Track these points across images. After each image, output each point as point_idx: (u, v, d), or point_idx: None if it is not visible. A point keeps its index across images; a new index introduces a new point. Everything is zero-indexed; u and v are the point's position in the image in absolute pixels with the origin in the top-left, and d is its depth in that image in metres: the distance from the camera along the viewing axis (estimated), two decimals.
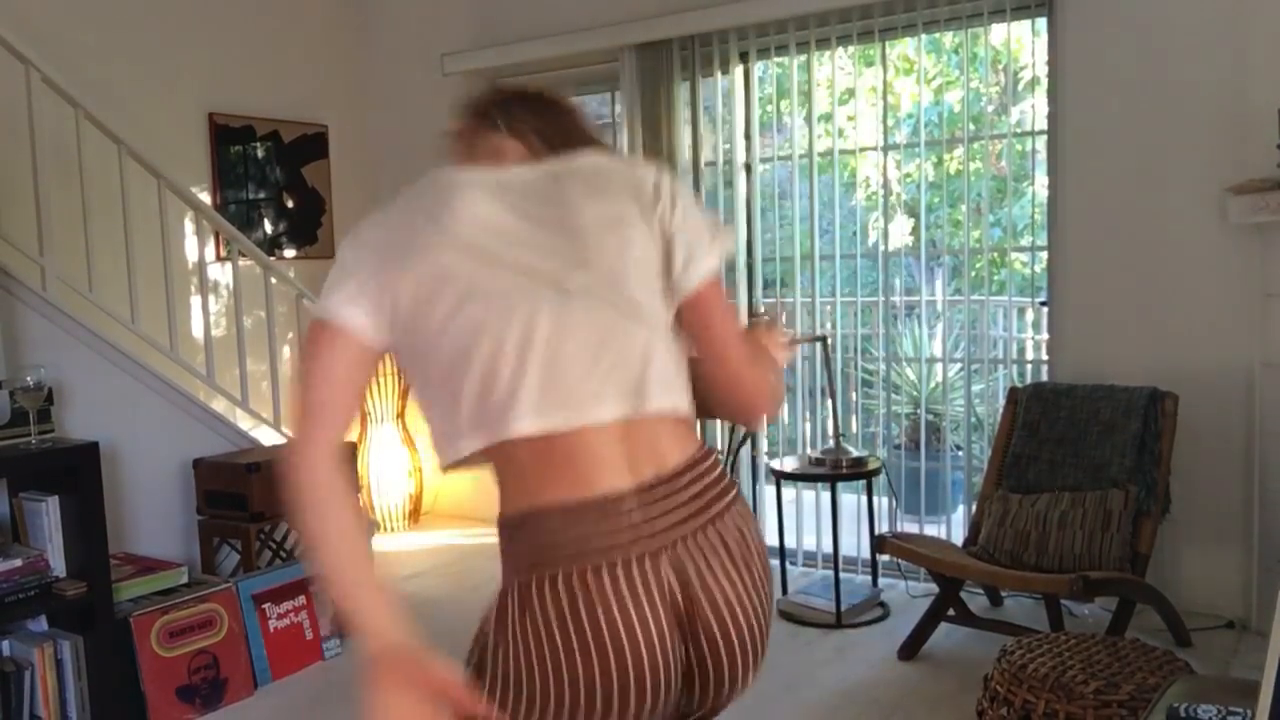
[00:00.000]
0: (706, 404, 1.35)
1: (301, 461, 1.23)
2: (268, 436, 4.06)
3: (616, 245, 1.25)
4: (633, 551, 1.17)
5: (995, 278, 4.45)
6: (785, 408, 4.88)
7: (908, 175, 5.76)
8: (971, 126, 4.38)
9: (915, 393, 5.04)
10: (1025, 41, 4.00)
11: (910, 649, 3.36)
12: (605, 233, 1.25)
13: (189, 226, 4.47)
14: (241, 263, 4.09)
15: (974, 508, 3.72)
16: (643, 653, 1.16)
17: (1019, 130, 4.13)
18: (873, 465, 3.83)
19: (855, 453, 3.89)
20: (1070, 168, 3.72)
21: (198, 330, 4.26)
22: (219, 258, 4.58)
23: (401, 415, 5.18)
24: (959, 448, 4.56)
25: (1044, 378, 3.89)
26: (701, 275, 1.29)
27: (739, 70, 4.43)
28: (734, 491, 1.30)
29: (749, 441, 4.27)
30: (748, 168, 4.47)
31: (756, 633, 1.25)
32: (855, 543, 4.28)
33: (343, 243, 1.29)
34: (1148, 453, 3.34)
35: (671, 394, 1.25)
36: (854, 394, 4.78)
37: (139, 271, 3.66)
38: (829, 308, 4.78)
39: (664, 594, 1.18)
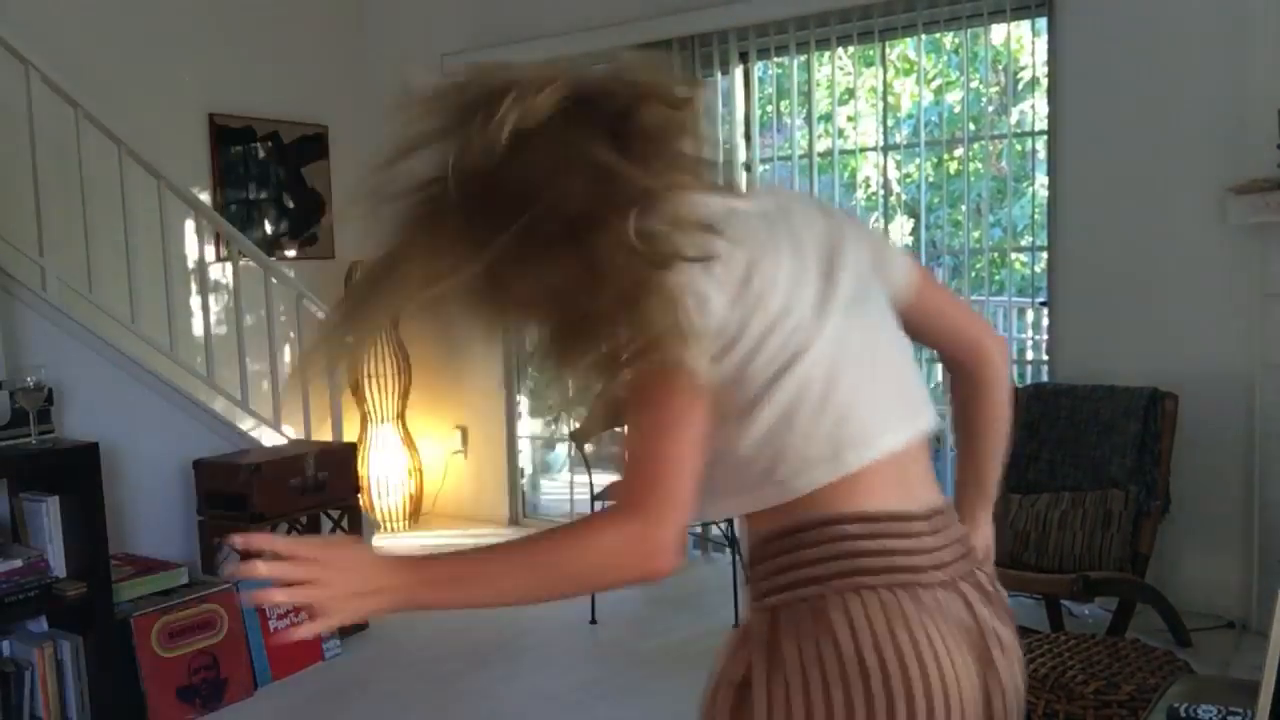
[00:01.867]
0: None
1: (664, 562, 0.98)
2: (268, 436, 4.06)
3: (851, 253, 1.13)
4: (934, 578, 1.05)
5: (995, 278, 4.45)
6: None
7: (908, 175, 5.77)
8: (971, 127, 4.38)
9: None
10: (1025, 41, 4.01)
11: None
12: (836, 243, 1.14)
13: (189, 226, 4.47)
14: (241, 263, 4.09)
15: None
16: (960, 694, 1.02)
17: (1019, 130, 4.13)
18: None
19: None
20: (1070, 168, 3.72)
21: (198, 330, 4.26)
22: (219, 258, 4.58)
23: (401, 415, 5.18)
24: None
25: (1044, 378, 3.89)
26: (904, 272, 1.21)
27: (739, 70, 4.43)
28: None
29: None
30: (748, 167, 4.47)
31: (1024, 692, 1.14)
32: None
33: None
34: (1148, 453, 3.34)
35: (928, 407, 1.16)
36: None
37: (139, 271, 3.66)
38: None
39: (966, 630, 1.06)
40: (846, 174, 5.72)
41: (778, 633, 1.05)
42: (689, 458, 0.98)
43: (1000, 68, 4.25)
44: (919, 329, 1.24)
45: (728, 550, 4.07)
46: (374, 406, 5.10)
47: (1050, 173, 3.81)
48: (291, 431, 4.20)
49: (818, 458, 1.04)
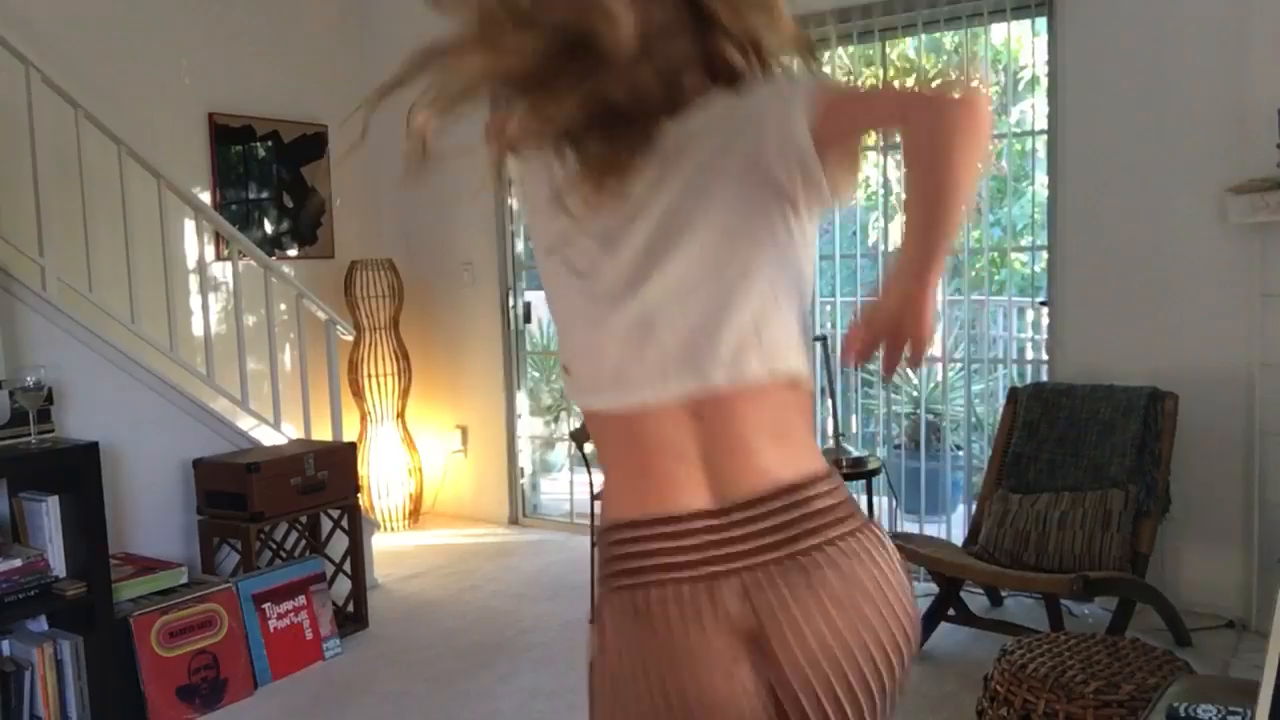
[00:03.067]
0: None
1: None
2: (268, 436, 4.06)
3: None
4: (700, 571, 1.08)
5: (995, 278, 4.45)
6: None
7: None
8: None
9: (915, 393, 5.04)
10: (1025, 41, 4.01)
11: None
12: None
13: (189, 226, 4.47)
14: (241, 263, 4.09)
15: (974, 508, 3.72)
16: (705, 681, 1.07)
17: (1019, 130, 4.14)
18: (873, 465, 3.83)
19: (855, 452, 3.89)
20: (1070, 168, 3.72)
21: (198, 330, 4.26)
22: (219, 257, 4.58)
23: (401, 415, 5.18)
24: (959, 448, 4.57)
25: (1044, 378, 3.89)
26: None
27: None
28: (849, 524, 1.12)
29: None
30: None
31: (856, 677, 1.08)
32: None
33: None
34: (1148, 453, 3.34)
35: (765, 358, 1.08)
36: (854, 394, 4.78)
37: (139, 271, 3.66)
38: (829, 307, 4.78)
39: (728, 620, 1.07)
40: None
41: (600, 619, 1.16)
42: None
43: (1000, 67, 4.25)
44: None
45: None
46: (374, 406, 5.10)
47: (1050, 172, 3.81)
48: (291, 431, 4.20)
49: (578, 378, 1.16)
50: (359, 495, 3.88)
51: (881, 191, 4.49)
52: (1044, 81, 3.86)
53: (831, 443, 3.93)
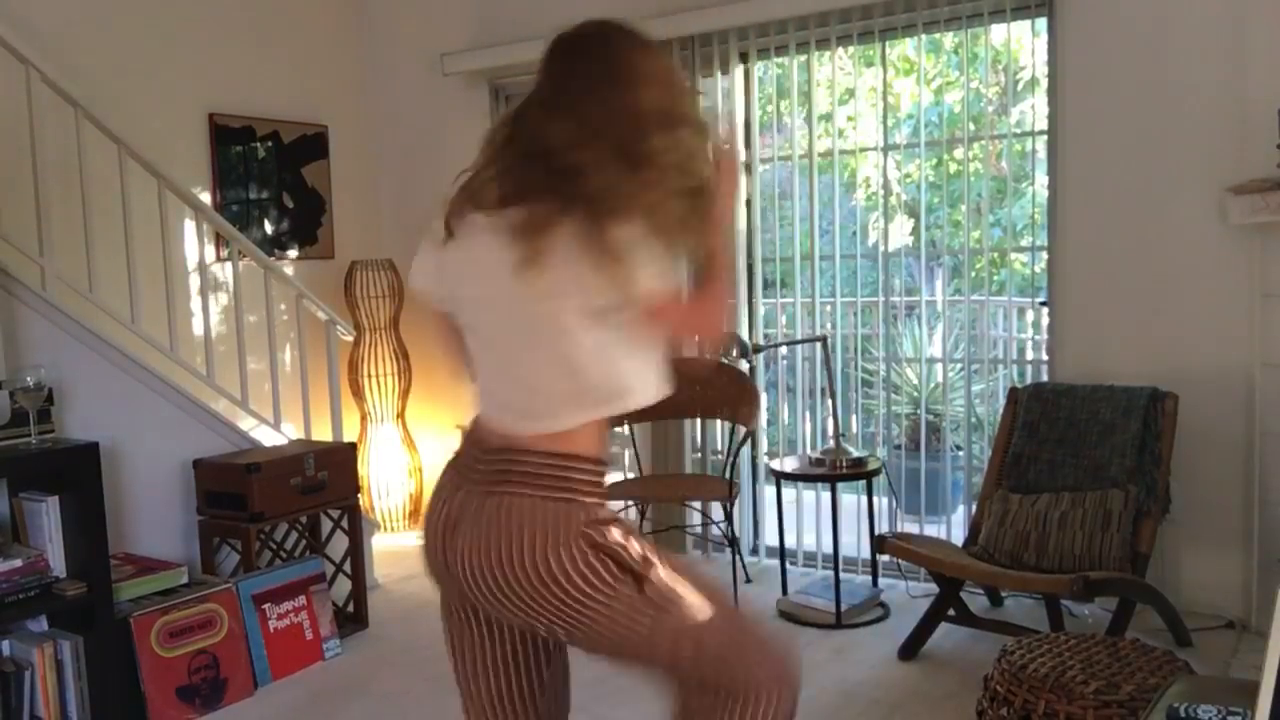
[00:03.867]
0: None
1: None
2: (268, 436, 4.06)
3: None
4: (459, 481, 1.67)
5: (995, 278, 4.44)
6: (785, 408, 4.88)
7: (908, 175, 5.77)
8: (971, 127, 4.38)
9: (915, 393, 5.04)
10: (1025, 42, 4.00)
11: (910, 649, 3.36)
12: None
13: (189, 226, 4.47)
14: (241, 263, 4.09)
15: (974, 508, 3.71)
16: (430, 538, 1.68)
17: (1019, 130, 4.13)
18: (873, 465, 3.84)
19: (855, 453, 3.89)
20: (1070, 168, 3.72)
21: (198, 330, 4.26)
22: (219, 258, 4.58)
23: (402, 415, 5.18)
24: (959, 448, 4.56)
25: (1044, 378, 3.89)
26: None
27: (739, 70, 4.43)
28: (529, 485, 1.57)
29: (749, 441, 4.27)
30: (748, 168, 4.47)
31: (489, 578, 1.56)
32: (855, 543, 4.28)
33: None
34: (1148, 453, 3.34)
35: (542, 420, 1.60)
36: (854, 394, 4.78)
37: (139, 271, 3.66)
38: (829, 308, 4.78)
39: (448, 515, 1.64)
40: (846, 174, 5.72)
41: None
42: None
43: (1000, 68, 4.25)
44: None
45: (728, 549, 4.07)
46: (374, 406, 5.10)
47: (1050, 173, 3.81)
48: (291, 431, 4.21)
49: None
50: (359, 495, 3.89)
51: (882, 192, 4.49)
52: (1044, 82, 3.86)
53: (832, 443, 3.93)
